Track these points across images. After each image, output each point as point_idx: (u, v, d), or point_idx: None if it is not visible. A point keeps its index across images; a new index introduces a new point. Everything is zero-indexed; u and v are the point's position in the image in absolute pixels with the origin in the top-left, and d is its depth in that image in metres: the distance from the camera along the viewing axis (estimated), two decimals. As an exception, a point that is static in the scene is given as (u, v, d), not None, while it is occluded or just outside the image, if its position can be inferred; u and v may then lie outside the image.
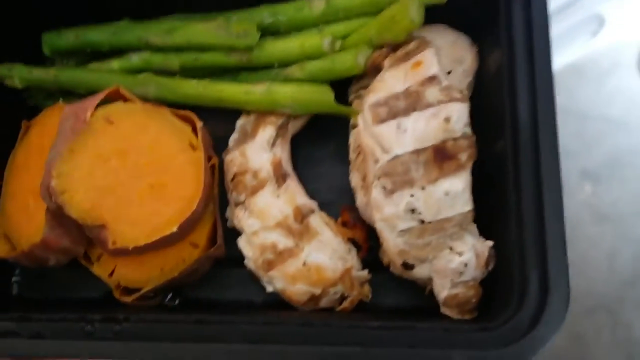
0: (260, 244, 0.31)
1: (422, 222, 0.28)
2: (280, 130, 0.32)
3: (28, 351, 0.28)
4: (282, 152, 0.33)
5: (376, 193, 0.28)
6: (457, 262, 0.28)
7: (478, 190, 0.30)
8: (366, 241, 0.32)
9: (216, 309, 0.33)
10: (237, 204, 0.31)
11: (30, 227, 0.30)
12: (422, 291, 0.32)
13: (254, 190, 0.31)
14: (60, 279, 0.34)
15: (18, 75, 0.33)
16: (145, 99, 0.31)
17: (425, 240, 0.29)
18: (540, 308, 0.26)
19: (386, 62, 0.30)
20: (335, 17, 0.31)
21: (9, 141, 0.34)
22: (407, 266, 0.30)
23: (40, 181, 0.29)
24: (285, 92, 0.30)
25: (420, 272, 0.30)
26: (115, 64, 0.33)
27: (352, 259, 0.31)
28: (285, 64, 0.32)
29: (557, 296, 0.26)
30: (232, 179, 0.31)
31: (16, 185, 0.32)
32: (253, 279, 0.32)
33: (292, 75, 0.31)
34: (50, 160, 0.28)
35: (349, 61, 0.31)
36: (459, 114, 0.27)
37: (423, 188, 0.28)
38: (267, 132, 0.31)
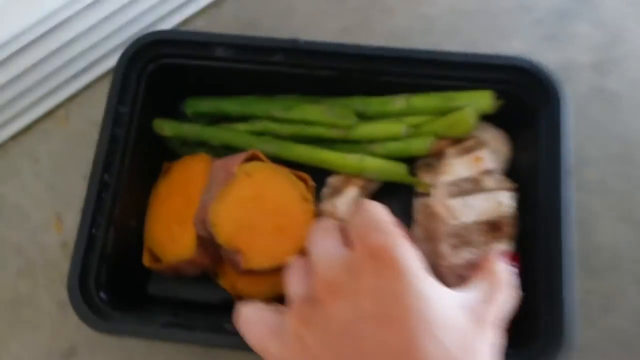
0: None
1: (474, 271, 0.36)
2: (363, 190, 0.40)
3: (184, 339, 0.34)
4: (362, 206, 0.42)
5: (444, 247, 0.36)
6: (493, 300, 0.37)
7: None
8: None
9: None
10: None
11: (175, 246, 0.38)
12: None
13: (340, 232, 0.40)
14: (188, 285, 0.41)
15: (170, 127, 0.41)
16: (264, 154, 0.39)
17: (473, 282, 0.37)
18: (546, 344, 0.33)
19: (450, 151, 0.39)
20: (411, 112, 0.39)
21: (151, 175, 0.41)
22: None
23: (195, 214, 0.36)
24: (374, 164, 0.39)
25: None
26: (240, 126, 0.41)
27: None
28: (370, 141, 0.40)
29: (563, 336, 0.33)
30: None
31: (160, 212, 0.40)
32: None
33: (375, 151, 0.39)
34: (205, 200, 0.36)
35: (420, 145, 0.39)
36: (508, 199, 0.36)
37: (479, 248, 0.36)
38: (352, 190, 0.40)
